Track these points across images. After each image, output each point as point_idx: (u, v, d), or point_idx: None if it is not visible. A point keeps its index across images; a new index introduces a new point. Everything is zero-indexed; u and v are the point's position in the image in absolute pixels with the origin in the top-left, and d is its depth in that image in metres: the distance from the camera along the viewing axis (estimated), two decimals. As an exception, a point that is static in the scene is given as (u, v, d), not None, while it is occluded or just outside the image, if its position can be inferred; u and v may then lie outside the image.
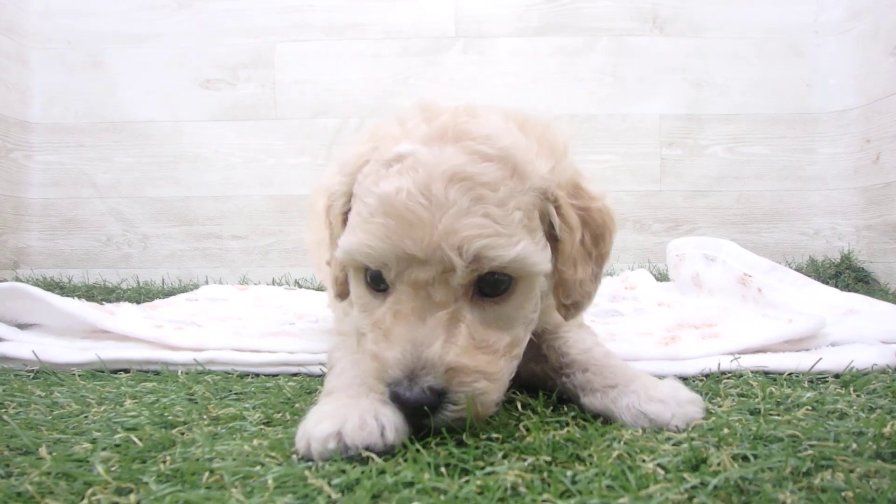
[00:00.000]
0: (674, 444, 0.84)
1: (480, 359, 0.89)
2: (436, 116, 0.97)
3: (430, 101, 1.04)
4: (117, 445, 0.88)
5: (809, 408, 1.01)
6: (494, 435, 0.89)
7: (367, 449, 0.81)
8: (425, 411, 0.85)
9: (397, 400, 0.86)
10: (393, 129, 1.01)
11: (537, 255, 0.93)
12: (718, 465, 0.75)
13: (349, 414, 0.84)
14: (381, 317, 0.92)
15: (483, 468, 0.76)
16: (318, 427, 0.83)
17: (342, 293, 1.10)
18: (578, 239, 1.01)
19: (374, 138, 1.03)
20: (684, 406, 0.95)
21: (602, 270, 1.08)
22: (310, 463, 0.80)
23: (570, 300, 1.04)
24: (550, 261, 0.97)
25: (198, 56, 3.41)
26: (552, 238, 1.00)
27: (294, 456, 0.83)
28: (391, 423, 0.84)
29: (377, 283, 0.95)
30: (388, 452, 0.82)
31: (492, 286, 0.93)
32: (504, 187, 0.91)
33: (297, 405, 1.11)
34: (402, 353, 0.86)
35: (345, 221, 1.02)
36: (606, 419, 0.98)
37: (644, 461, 0.78)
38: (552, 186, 0.99)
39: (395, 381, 0.86)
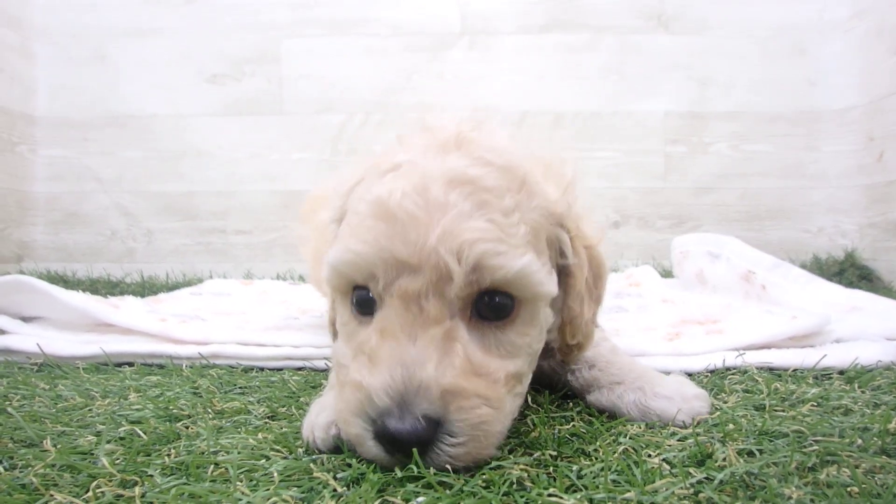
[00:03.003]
0: (679, 440, 0.84)
1: (479, 383, 0.76)
2: (439, 130, 0.91)
3: (434, 120, 0.96)
4: (122, 438, 0.89)
5: (814, 404, 1.01)
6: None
7: None
8: (419, 446, 0.71)
9: (385, 435, 0.72)
10: (392, 147, 0.93)
11: (543, 275, 0.83)
12: (724, 460, 0.75)
13: None
14: (366, 338, 0.79)
15: (489, 462, 0.76)
16: (320, 416, 0.84)
17: (336, 333, 0.97)
18: (586, 274, 0.95)
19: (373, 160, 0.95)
20: (690, 401, 0.95)
21: (597, 314, 1.03)
22: (315, 456, 0.80)
23: (576, 340, 0.97)
24: (558, 289, 0.89)
25: (203, 51, 3.41)
26: (559, 271, 0.93)
27: (300, 449, 0.83)
28: None
29: (364, 307, 0.83)
30: None
31: (493, 310, 0.82)
32: (510, 197, 0.82)
33: (301, 399, 1.11)
34: (392, 377, 0.72)
35: None
36: (612, 415, 0.98)
37: (650, 456, 0.78)
38: (565, 214, 0.93)
39: (384, 411, 0.72)
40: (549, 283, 0.85)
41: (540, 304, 0.86)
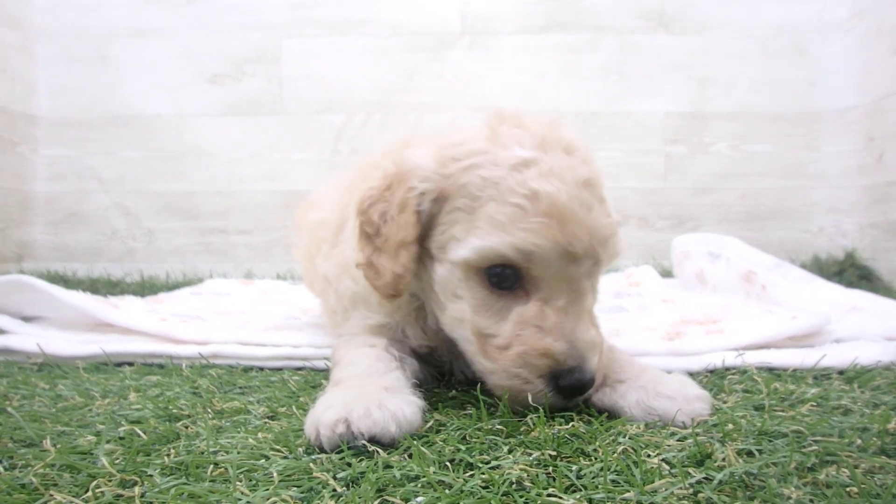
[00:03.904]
0: (679, 440, 0.84)
1: (600, 332, 1.04)
2: (524, 124, 1.09)
3: (502, 109, 1.15)
4: (121, 438, 0.89)
5: (814, 404, 1.01)
6: (499, 428, 0.89)
7: (372, 438, 0.82)
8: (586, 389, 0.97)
9: (572, 387, 0.95)
10: (478, 133, 1.09)
11: None
12: (723, 460, 0.75)
13: (355, 403, 0.85)
14: (535, 314, 0.97)
15: (488, 462, 0.76)
16: (326, 414, 0.84)
17: (401, 291, 1.07)
18: None
19: (443, 145, 1.08)
20: (692, 402, 0.95)
21: None
22: (315, 456, 0.80)
23: None
24: None
25: (204, 51, 3.41)
26: None
27: (299, 449, 0.83)
28: (393, 415, 0.85)
29: (504, 281, 1.00)
30: (391, 443, 0.83)
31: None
32: (603, 184, 1.06)
33: (301, 399, 1.11)
34: (571, 345, 0.95)
35: (419, 221, 1.04)
36: (611, 414, 0.98)
37: (649, 456, 0.78)
38: None
39: (570, 370, 0.95)
40: None
41: None
